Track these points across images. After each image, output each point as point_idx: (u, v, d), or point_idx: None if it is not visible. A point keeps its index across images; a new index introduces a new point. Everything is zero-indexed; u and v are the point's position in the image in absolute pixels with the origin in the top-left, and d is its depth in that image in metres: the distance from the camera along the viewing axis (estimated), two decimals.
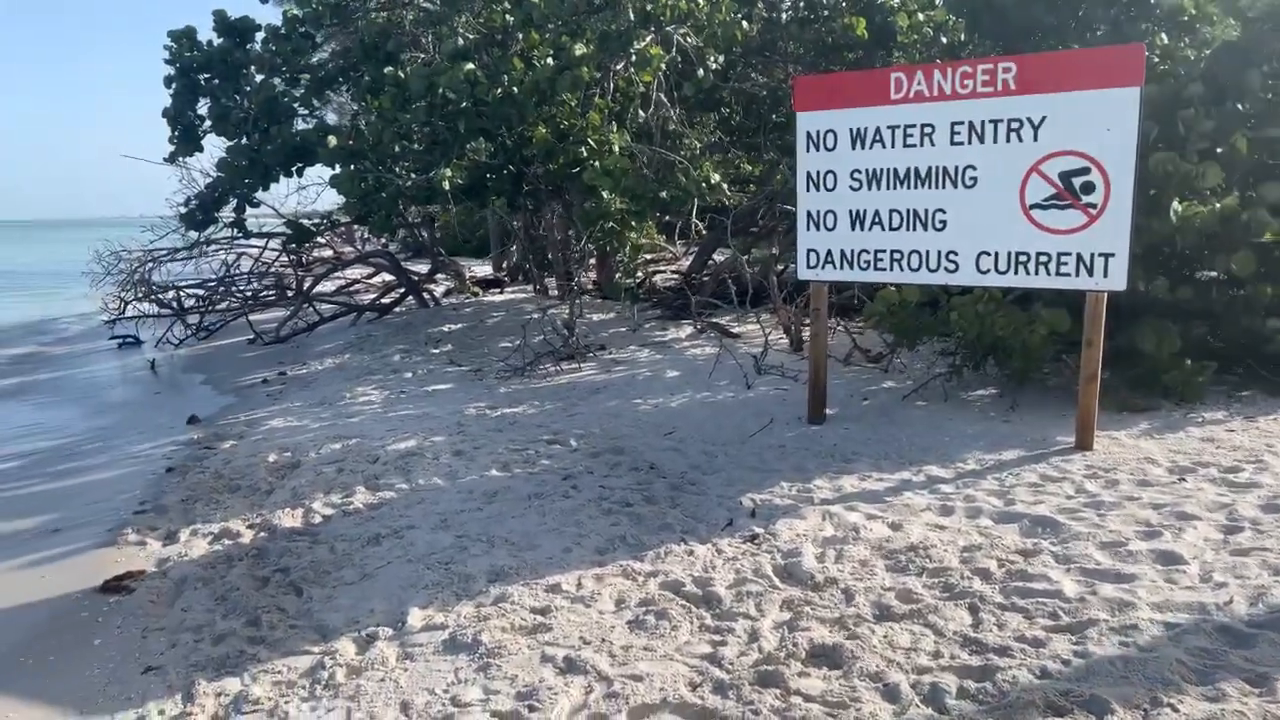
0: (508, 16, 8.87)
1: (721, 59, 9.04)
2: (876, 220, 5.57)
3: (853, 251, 5.70)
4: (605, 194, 8.28)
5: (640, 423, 6.50)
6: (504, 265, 17.68)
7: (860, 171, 5.58)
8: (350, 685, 3.22)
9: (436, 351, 10.16)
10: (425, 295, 13.98)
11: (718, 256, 13.73)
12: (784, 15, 10.46)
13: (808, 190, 5.78)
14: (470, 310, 13.00)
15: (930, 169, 5.36)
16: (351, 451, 6.20)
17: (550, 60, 8.36)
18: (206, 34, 10.88)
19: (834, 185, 5.69)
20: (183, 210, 11.43)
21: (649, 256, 13.88)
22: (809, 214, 5.80)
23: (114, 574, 4.53)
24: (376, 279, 16.09)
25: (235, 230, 11.91)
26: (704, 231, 12.61)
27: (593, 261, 11.98)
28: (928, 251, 5.44)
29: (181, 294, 13.91)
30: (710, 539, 4.23)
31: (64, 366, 13.16)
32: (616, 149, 8.51)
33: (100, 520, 5.49)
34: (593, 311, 11.13)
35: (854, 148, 5.56)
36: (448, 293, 14.92)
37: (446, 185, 8.06)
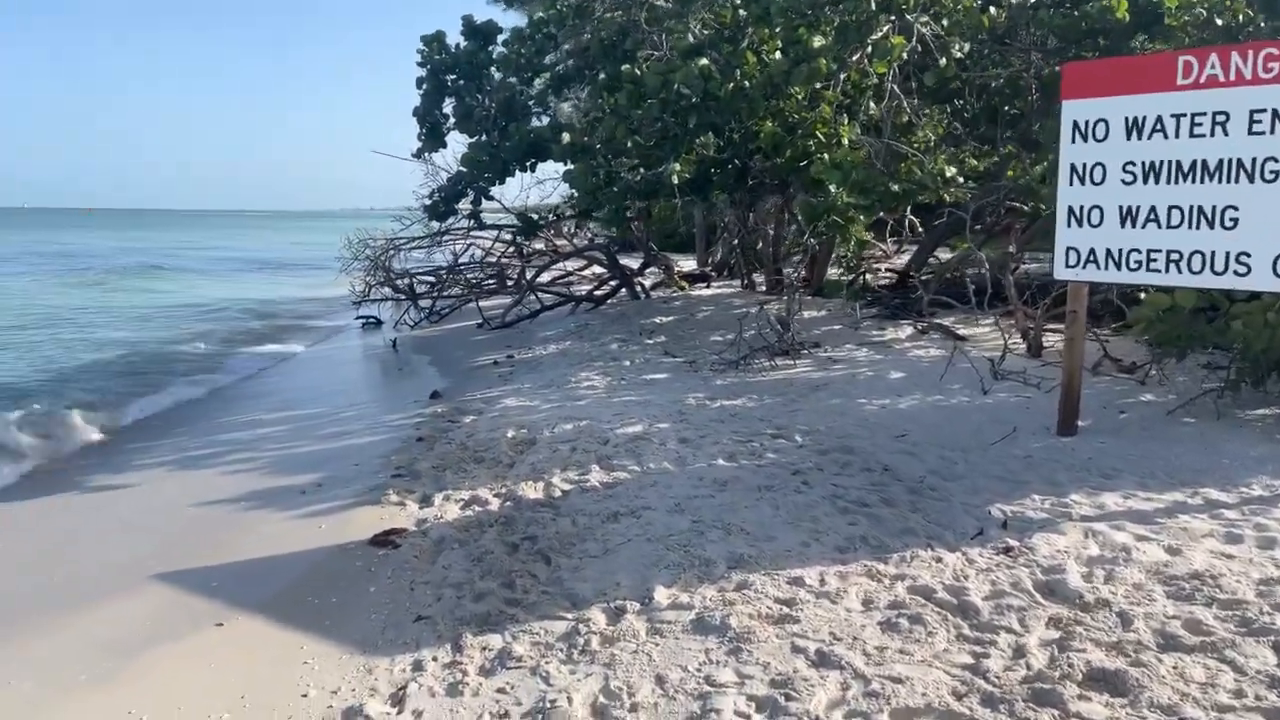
0: (740, 11, 8.88)
1: (967, 47, 8.59)
2: (1152, 217, 5.09)
3: (1120, 251, 5.24)
4: (833, 188, 8.12)
5: (867, 423, 6.32)
6: (709, 260, 17.81)
7: (1135, 164, 5.11)
8: (605, 653, 3.34)
9: (650, 342, 10.39)
10: (637, 288, 14.34)
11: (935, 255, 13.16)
12: None
13: (1071, 184, 5.38)
14: (679, 304, 13.20)
15: (1221, 161, 4.82)
16: (583, 432, 6.45)
17: (779, 54, 8.29)
18: (454, 38, 11.73)
19: (1102, 179, 5.25)
20: (427, 203, 12.37)
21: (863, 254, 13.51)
22: (1071, 209, 5.40)
23: (381, 530, 4.94)
24: (588, 271, 16.70)
25: (471, 221, 12.72)
26: (920, 228, 12.07)
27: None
28: (1213, 252, 4.90)
29: (415, 280, 15.07)
30: (959, 547, 4.04)
31: (320, 342, 14.65)
32: (846, 142, 8.33)
33: (362, 480, 6.02)
34: (804, 308, 10.96)
35: (1129, 138, 5.11)
36: (655, 286, 15.23)
37: (675, 179, 8.21)
